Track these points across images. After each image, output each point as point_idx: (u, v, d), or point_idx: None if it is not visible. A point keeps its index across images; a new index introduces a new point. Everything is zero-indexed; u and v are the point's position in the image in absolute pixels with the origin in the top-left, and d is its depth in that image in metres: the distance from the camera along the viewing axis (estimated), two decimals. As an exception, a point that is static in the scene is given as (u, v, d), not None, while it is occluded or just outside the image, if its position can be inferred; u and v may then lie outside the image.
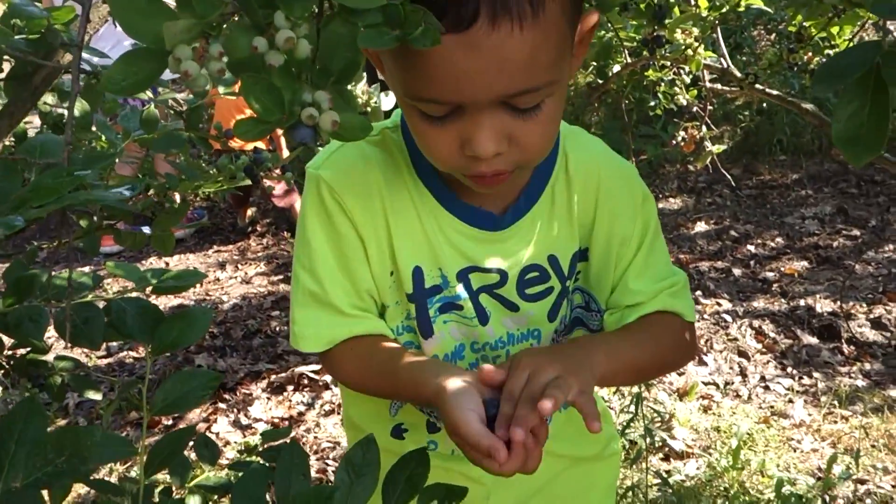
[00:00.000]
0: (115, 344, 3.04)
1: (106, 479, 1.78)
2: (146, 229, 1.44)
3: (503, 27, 0.66)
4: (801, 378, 2.65)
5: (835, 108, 0.54)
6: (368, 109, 0.85)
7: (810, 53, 1.92)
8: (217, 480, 1.09)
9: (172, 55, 0.51)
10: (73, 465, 0.53)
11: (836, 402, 2.47)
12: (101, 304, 0.95)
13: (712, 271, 3.52)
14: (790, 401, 2.51)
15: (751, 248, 3.78)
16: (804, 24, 1.83)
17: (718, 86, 2.27)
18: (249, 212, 4.70)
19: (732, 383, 2.65)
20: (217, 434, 2.49)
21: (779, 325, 3.01)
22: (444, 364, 0.92)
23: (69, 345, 0.90)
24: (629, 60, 2.12)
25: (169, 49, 0.51)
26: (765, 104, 5.00)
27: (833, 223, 4.00)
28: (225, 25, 0.53)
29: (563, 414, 1.04)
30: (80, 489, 2.00)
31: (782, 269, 3.51)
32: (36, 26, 0.90)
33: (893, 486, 2.06)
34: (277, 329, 3.27)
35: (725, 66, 1.86)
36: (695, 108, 2.44)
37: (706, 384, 2.63)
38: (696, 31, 1.87)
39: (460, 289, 0.92)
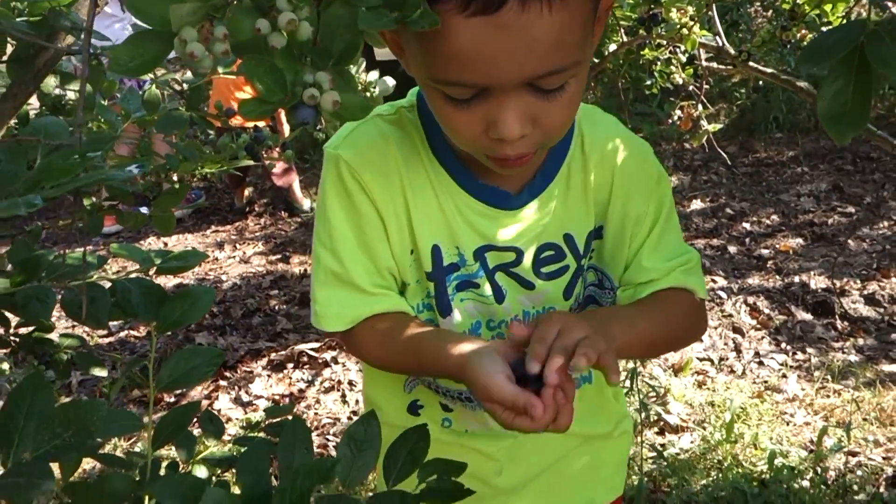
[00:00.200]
0: (115, 323, 3.06)
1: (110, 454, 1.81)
2: (144, 210, 1.45)
3: (533, 8, 0.66)
4: (794, 353, 2.69)
5: (820, 86, 0.56)
6: (368, 94, 0.86)
7: (804, 30, 1.93)
8: (222, 454, 1.11)
9: (178, 37, 0.52)
10: (80, 439, 0.55)
11: (828, 377, 2.50)
12: (107, 285, 0.96)
13: (708, 249, 3.54)
14: (784, 376, 2.54)
15: (746, 225, 3.80)
16: (797, 1, 1.84)
17: (714, 64, 2.28)
18: (246, 192, 4.70)
19: (727, 359, 2.68)
20: (219, 411, 2.52)
21: (773, 301, 3.04)
22: (465, 336, 0.93)
23: (75, 323, 0.92)
24: (625, 39, 2.13)
25: (175, 31, 0.52)
26: (761, 82, 5.00)
27: (828, 200, 4.02)
28: (229, 8, 0.54)
29: (576, 392, 1.06)
30: (85, 464, 2.03)
31: (777, 246, 3.54)
32: (38, 9, 0.91)
33: (884, 458, 2.09)
34: (276, 308, 3.29)
35: (720, 44, 1.86)
36: (691, 87, 2.45)
37: (701, 360, 2.66)
38: (691, 9, 1.87)
39: (477, 267, 0.93)
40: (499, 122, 0.74)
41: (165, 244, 4.17)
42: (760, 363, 2.65)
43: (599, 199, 0.95)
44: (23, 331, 1.26)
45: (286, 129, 3.91)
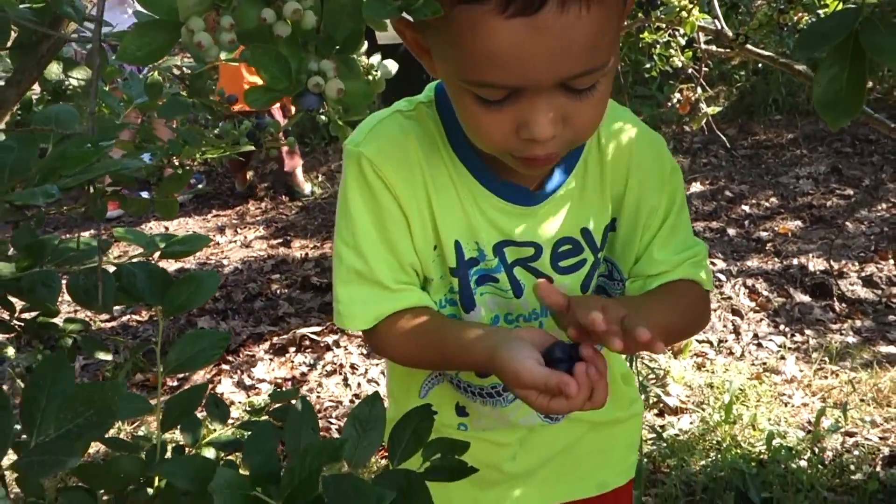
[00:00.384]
0: (117, 308, 3.08)
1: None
2: (145, 194, 1.46)
3: (572, 9, 0.66)
4: (793, 335, 2.71)
5: (816, 72, 0.57)
6: (371, 78, 0.86)
7: (801, 13, 1.93)
8: (227, 438, 1.13)
9: (185, 26, 0.53)
10: (102, 418, 0.57)
11: (826, 359, 2.52)
12: (111, 269, 0.97)
13: (707, 231, 3.55)
14: (782, 357, 2.56)
15: (745, 208, 3.81)
16: (797, -17, 1.84)
17: (713, 47, 2.28)
18: (248, 175, 4.71)
19: (726, 341, 2.70)
20: (221, 395, 2.54)
21: (772, 283, 3.06)
22: (490, 327, 0.94)
23: (77, 308, 0.93)
24: (625, 22, 2.12)
25: (182, 21, 0.53)
26: (760, 64, 4.99)
27: (827, 182, 4.03)
28: (234, -2, 0.55)
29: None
30: (91, 448, 2.05)
31: (776, 228, 3.55)
32: (41, -4, 0.92)
33: (880, 438, 2.12)
34: (278, 292, 3.31)
35: (719, 27, 1.86)
36: (690, 70, 2.45)
37: (700, 342, 2.68)
38: (690, -8, 1.87)
39: (497, 262, 0.93)
40: (531, 123, 0.74)
41: (167, 228, 4.18)
42: (759, 345, 2.67)
43: (615, 192, 0.96)
44: (27, 315, 1.27)
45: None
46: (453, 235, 0.91)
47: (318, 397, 2.53)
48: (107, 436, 1.00)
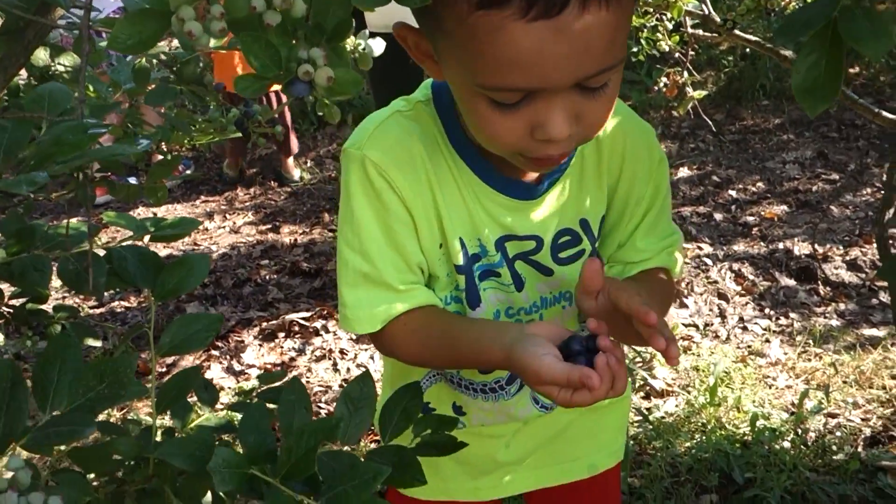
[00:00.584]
0: (106, 294, 3.08)
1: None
2: (132, 180, 1.46)
3: (592, 9, 0.67)
4: (777, 318, 2.74)
5: (795, 60, 0.58)
6: (356, 56, 0.87)
7: None
8: (218, 421, 1.14)
9: (176, 15, 0.54)
10: (114, 391, 0.58)
11: (810, 341, 2.55)
12: (102, 253, 0.98)
13: (694, 216, 3.58)
14: (767, 340, 2.60)
15: (732, 192, 3.84)
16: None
17: (700, 32, 2.29)
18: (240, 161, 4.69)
19: (712, 324, 2.73)
20: (211, 380, 2.55)
21: (758, 267, 3.09)
22: (501, 324, 0.94)
23: (65, 294, 0.94)
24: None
25: (172, 10, 0.54)
26: (748, 49, 5.00)
27: (813, 167, 4.05)
28: (224, -14, 0.56)
29: None
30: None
31: (762, 213, 3.58)
32: (28, -19, 0.91)
33: (862, 420, 2.15)
34: (267, 277, 3.31)
35: (706, 12, 1.88)
36: (677, 55, 2.46)
37: (686, 326, 2.71)
38: (677, -23, 1.88)
39: (499, 257, 0.94)
40: (548, 124, 0.74)
41: (155, 214, 4.17)
42: (744, 328, 2.70)
43: (611, 182, 0.97)
44: (16, 302, 1.27)
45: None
46: (457, 232, 0.92)
47: (308, 381, 2.54)
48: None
